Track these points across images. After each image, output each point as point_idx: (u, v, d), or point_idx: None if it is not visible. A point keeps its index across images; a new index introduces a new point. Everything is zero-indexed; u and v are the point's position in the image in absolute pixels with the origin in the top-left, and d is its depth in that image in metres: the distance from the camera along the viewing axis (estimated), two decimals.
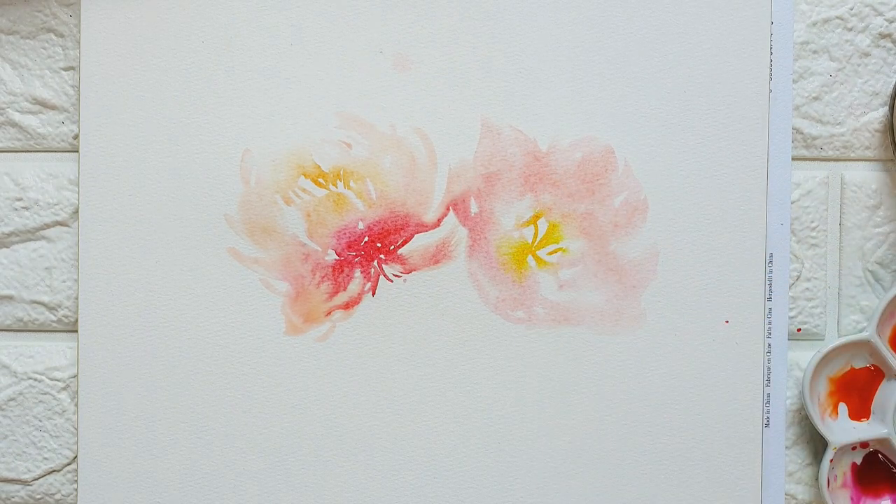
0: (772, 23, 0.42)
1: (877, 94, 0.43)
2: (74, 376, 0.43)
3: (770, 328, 0.42)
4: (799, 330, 0.43)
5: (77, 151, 0.42)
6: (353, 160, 0.42)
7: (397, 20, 0.42)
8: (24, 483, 0.43)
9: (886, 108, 0.43)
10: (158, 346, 0.42)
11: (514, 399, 0.42)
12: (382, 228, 0.42)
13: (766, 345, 0.42)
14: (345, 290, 0.42)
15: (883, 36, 0.43)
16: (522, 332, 0.42)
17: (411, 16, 0.42)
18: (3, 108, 0.43)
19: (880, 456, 0.43)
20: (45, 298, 0.43)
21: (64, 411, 0.43)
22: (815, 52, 0.43)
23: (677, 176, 0.42)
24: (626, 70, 0.42)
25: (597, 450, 0.42)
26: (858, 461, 0.43)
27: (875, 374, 0.43)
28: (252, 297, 0.42)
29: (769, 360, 0.43)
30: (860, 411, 0.43)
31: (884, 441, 0.43)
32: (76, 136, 0.43)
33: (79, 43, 0.42)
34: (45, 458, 0.43)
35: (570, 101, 0.42)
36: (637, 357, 0.42)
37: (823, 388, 0.43)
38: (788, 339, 0.43)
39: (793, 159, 0.43)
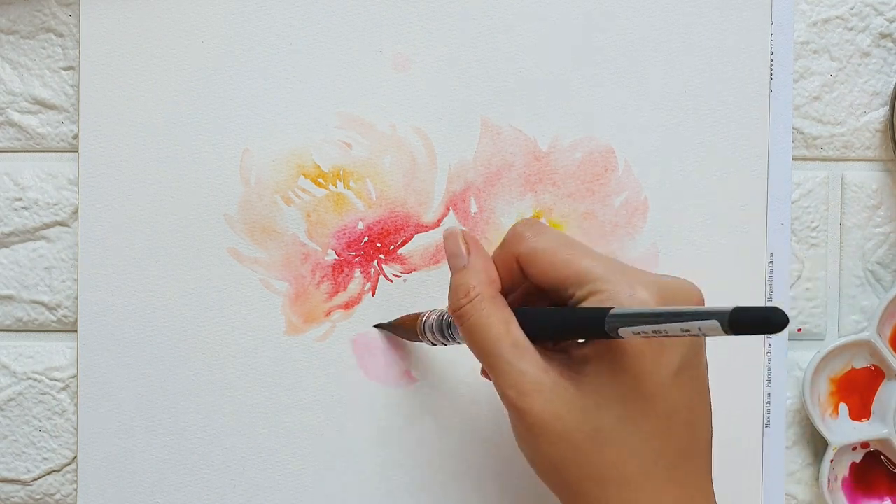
0: (772, 23, 0.42)
1: (877, 93, 0.43)
2: (74, 376, 0.43)
3: None
4: (799, 330, 0.43)
5: (77, 151, 0.42)
6: (352, 160, 0.42)
7: (397, 20, 0.42)
8: (24, 483, 0.43)
9: (887, 107, 0.43)
10: (158, 346, 0.42)
11: None
12: (382, 228, 0.42)
13: (767, 345, 0.42)
14: (345, 290, 0.42)
15: (883, 36, 0.43)
16: None
17: (411, 16, 0.42)
18: (2, 108, 0.43)
19: (881, 456, 0.43)
20: (45, 298, 0.43)
21: (63, 411, 0.43)
22: (815, 51, 0.43)
23: (677, 176, 0.42)
24: (626, 70, 0.42)
25: None
26: (858, 461, 0.43)
27: (875, 374, 0.43)
28: (252, 297, 0.42)
29: (769, 360, 0.42)
30: (861, 411, 0.43)
31: (884, 441, 0.43)
32: (76, 136, 0.43)
33: (78, 43, 0.42)
34: (45, 459, 0.43)
35: (570, 101, 0.42)
36: None
37: (824, 388, 0.43)
38: (789, 339, 0.43)
39: (793, 159, 0.43)
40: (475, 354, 0.33)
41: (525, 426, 0.31)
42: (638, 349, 0.30)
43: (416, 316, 0.39)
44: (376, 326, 0.42)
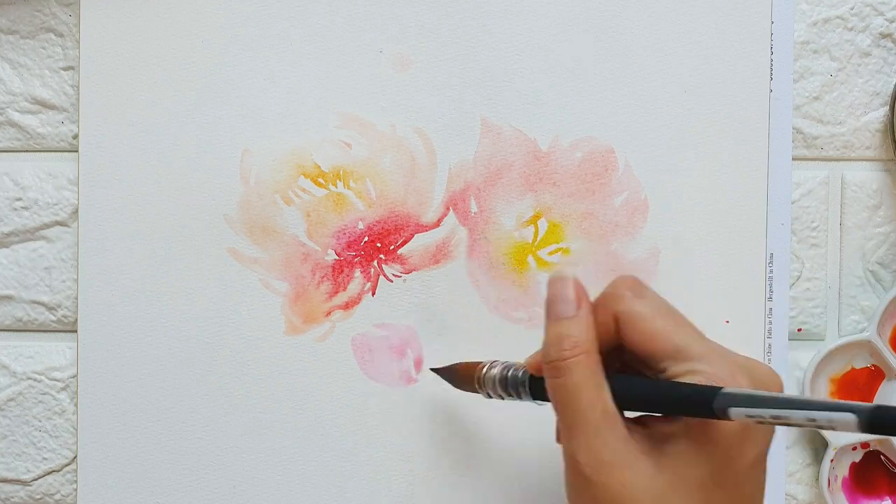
0: (772, 22, 0.42)
1: (877, 93, 0.43)
2: (74, 376, 0.43)
3: (770, 328, 0.42)
4: (799, 330, 0.43)
5: (76, 151, 0.42)
6: (352, 160, 0.42)
7: (397, 20, 0.42)
8: (24, 483, 0.43)
9: (887, 107, 0.43)
10: (158, 346, 0.42)
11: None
12: (382, 228, 0.42)
13: (767, 345, 0.42)
14: (344, 290, 0.42)
15: (883, 36, 0.43)
16: (523, 332, 0.42)
17: (411, 16, 0.42)
18: (2, 108, 0.43)
19: (881, 456, 0.43)
20: (45, 298, 0.43)
21: (63, 411, 0.43)
22: (815, 51, 0.43)
23: (677, 176, 0.42)
24: (625, 70, 0.42)
25: None
26: (858, 461, 0.43)
27: (875, 375, 0.43)
28: (252, 297, 0.42)
29: (769, 360, 0.42)
30: None
31: (884, 441, 0.43)
32: (76, 136, 0.43)
33: (78, 43, 0.42)
34: (45, 459, 0.43)
35: (570, 101, 0.42)
36: None
37: (824, 388, 0.43)
38: (789, 339, 0.43)
39: (793, 159, 0.43)
40: (558, 412, 0.31)
41: (592, 498, 0.30)
42: (727, 435, 0.29)
43: (474, 365, 0.37)
44: (432, 370, 0.41)
